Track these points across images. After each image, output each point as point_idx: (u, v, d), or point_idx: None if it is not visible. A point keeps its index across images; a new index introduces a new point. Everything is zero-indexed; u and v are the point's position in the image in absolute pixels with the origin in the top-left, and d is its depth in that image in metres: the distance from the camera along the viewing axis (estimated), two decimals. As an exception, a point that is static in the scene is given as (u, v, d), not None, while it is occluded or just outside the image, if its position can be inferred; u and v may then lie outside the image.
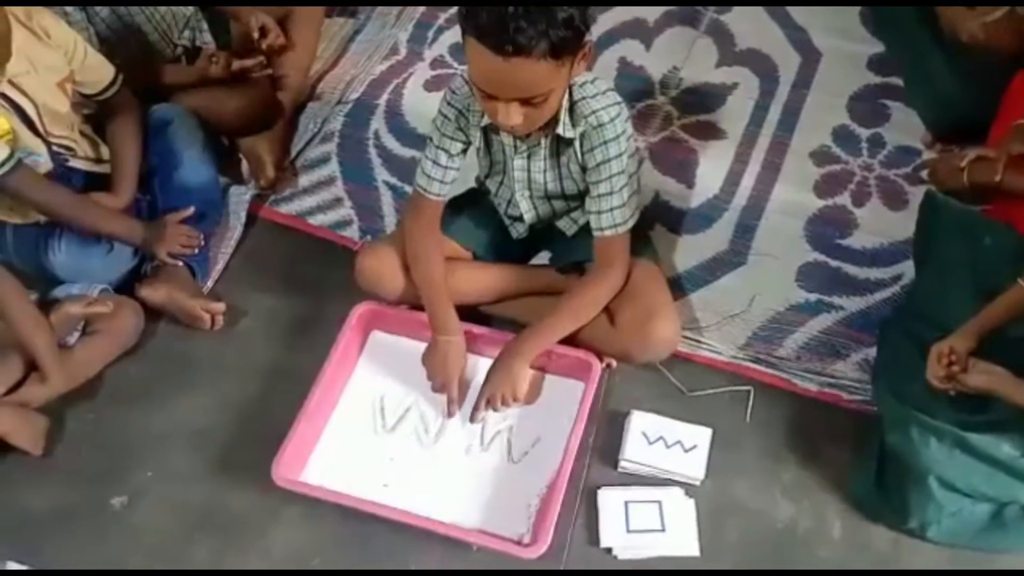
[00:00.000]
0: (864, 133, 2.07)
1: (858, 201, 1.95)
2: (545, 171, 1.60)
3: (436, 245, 1.66)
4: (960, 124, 1.94)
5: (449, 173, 1.62)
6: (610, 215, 1.55)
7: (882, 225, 1.90)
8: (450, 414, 1.66)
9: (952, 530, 1.46)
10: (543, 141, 1.54)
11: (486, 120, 1.53)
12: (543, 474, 1.57)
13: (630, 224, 1.58)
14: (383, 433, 1.66)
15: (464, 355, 1.66)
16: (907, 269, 1.81)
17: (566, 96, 1.46)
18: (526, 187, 1.64)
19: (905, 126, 2.06)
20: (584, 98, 1.49)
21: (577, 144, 1.52)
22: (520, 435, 1.64)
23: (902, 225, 1.87)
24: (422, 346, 1.70)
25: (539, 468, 1.58)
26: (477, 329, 1.69)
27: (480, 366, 1.69)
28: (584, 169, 1.55)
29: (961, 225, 1.73)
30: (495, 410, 1.63)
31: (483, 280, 1.75)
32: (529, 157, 1.58)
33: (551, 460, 1.57)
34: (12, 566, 1.52)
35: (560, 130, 1.50)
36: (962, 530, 1.46)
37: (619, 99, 1.52)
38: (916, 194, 1.90)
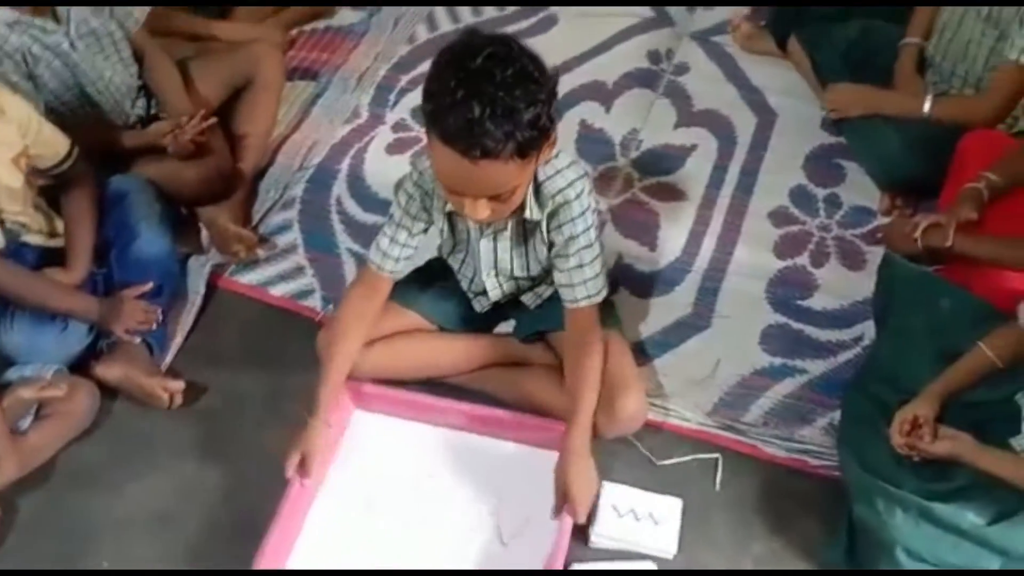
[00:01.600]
0: (820, 193, 2.11)
1: (817, 262, 1.98)
2: (511, 251, 1.60)
3: (367, 319, 1.64)
4: (908, 182, 1.98)
5: (406, 251, 1.60)
6: (583, 287, 1.54)
7: (841, 286, 1.93)
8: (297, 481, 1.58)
9: (921, 598, 1.47)
10: (509, 223, 1.54)
11: (451, 207, 1.52)
12: (537, 557, 1.54)
13: (604, 294, 1.57)
14: (368, 520, 1.62)
15: (315, 444, 1.57)
16: (867, 329, 1.83)
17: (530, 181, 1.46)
18: (492, 267, 1.63)
19: (860, 186, 2.10)
20: (549, 178, 1.49)
21: (544, 223, 1.52)
22: (509, 515, 1.61)
23: (861, 285, 1.90)
24: (403, 424, 1.70)
25: (532, 551, 1.55)
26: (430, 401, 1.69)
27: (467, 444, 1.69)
28: (551, 246, 1.55)
29: (918, 287, 1.76)
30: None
31: (449, 352, 1.75)
32: (495, 239, 1.58)
33: (544, 541, 1.54)
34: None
35: (527, 214, 1.50)
36: (930, 598, 1.46)
37: (582, 172, 1.52)
38: (874, 253, 1.94)
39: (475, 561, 1.56)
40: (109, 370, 1.77)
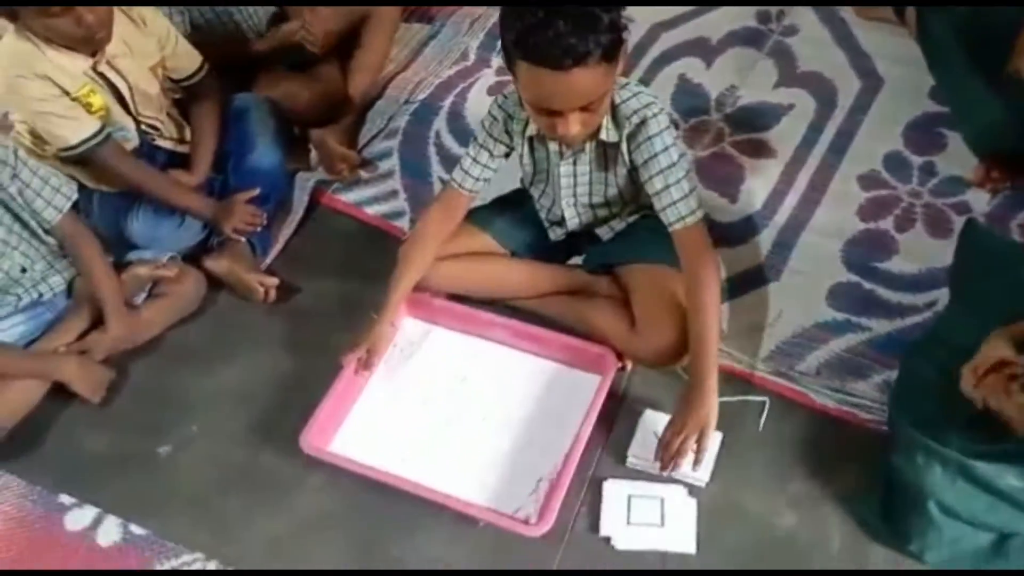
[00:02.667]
0: (917, 161, 2.07)
1: (901, 227, 1.94)
2: (591, 176, 1.67)
3: (442, 235, 1.74)
4: (1007, 153, 1.92)
5: (486, 172, 1.70)
6: (675, 208, 1.57)
7: (922, 252, 1.89)
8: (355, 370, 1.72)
9: (951, 556, 1.45)
10: (587, 147, 1.61)
11: (531, 130, 1.61)
12: (553, 458, 1.63)
13: (699, 215, 1.58)
14: (405, 411, 1.75)
15: (381, 341, 1.72)
16: (942, 296, 1.80)
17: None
18: (572, 193, 1.71)
19: (959, 156, 2.04)
20: (624, 101, 1.56)
21: (624, 146, 1.58)
22: (537, 421, 1.71)
23: (943, 253, 1.85)
24: (449, 335, 1.82)
25: (550, 452, 1.64)
26: (490, 316, 1.80)
27: (486, 351, 1.79)
28: (635, 169, 1.61)
29: (999, 255, 1.73)
30: (682, 454, 1.52)
31: (516, 275, 1.84)
32: (575, 163, 1.65)
33: (562, 445, 1.63)
34: (65, 499, 1.68)
35: (604, 135, 1.56)
36: (962, 557, 1.45)
37: (655, 96, 1.58)
38: (961, 224, 1.89)
39: (499, 456, 1.66)
40: (217, 263, 1.97)
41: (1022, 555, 1.42)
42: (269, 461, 1.72)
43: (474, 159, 1.70)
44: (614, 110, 1.56)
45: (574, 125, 1.44)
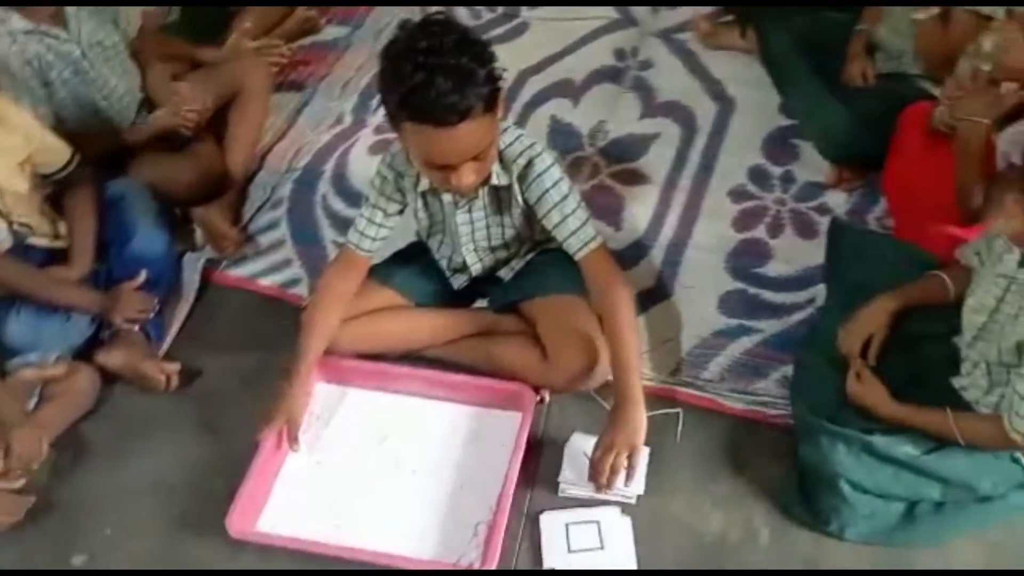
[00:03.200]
0: (777, 171, 2.24)
1: (772, 233, 2.09)
2: (487, 220, 1.72)
3: (344, 298, 1.75)
4: (855, 156, 2.10)
5: (382, 231, 1.72)
6: (576, 237, 1.64)
7: (795, 253, 2.04)
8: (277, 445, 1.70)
9: (869, 530, 1.55)
10: (480, 192, 1.66)
11: (423, 185, 1.64)
12: (487, 501, 1.65)
13: (599, 240, 1.65)
14: (331, 478, 1.73)
15: (293, 410, 1.70)
16: (819, 292, 1.94)
17: None
18: (471, 240, 1.75)
19: (813, 163, 2.22)
20: (508, 145, 1.62)
21: (516, 187, 1.64)
22: (466, 467, 1.72)
23: (814, 253, 2.01)
24: (364, 394, 1.81)
25: (483, 495, 1.66)
26: (398, 368, 1.81)
27: (401, 406, 1.81)
28: (530, 208, 1.66)
29: (866, 247, 1.88)
30: (615, 472, 1.56)
31: (424, 325, 1.85)
32: (470, 211, 1.69)
33: (494, 487, 1.65)
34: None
35: (495, 180, 1.62)
36: (878, 530, 1.55)
37: (534, 139, 1.65)
38: (825, 223, 2.05)
39: (432, 506, 1.66)
40: (110, 357, 1.89)
41: (930, 519, 1.54)
42: (194, 551, 1.65)
43: (369, 219, 1.72)
44: (500, 155, 1.62)
45: (468, 176, 1.49)
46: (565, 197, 1.63)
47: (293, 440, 1.71)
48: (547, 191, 1.62)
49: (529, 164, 1.62)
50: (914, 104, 2.02)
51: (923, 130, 1.94)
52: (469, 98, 1.37)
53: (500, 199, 1.68)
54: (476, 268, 1.81)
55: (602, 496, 1.64)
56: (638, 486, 1.63)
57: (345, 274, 1.76)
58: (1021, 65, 1.70)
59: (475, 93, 1.38)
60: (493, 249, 1.79)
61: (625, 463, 1.56)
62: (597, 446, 1.59)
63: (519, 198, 1.65)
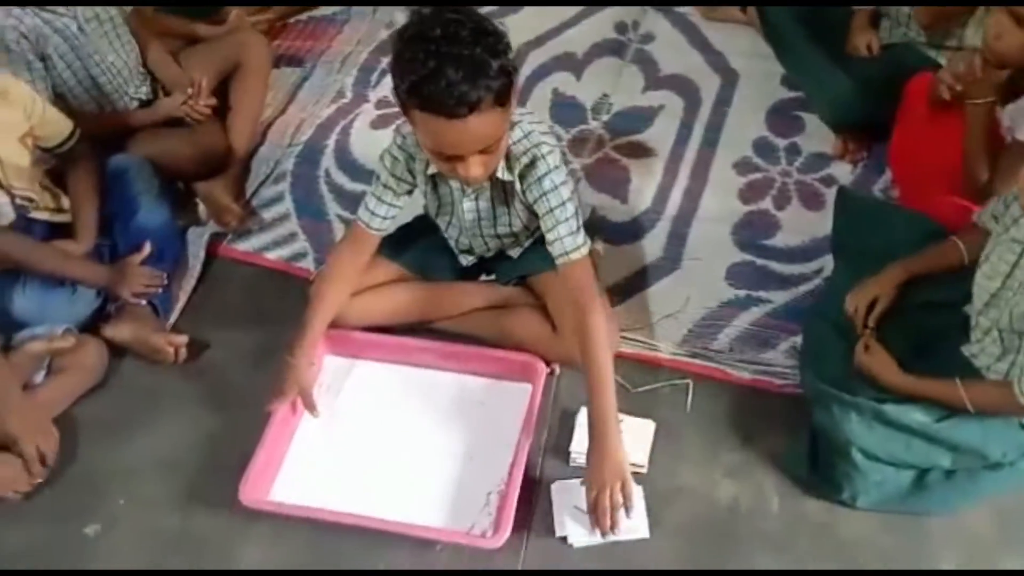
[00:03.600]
0: (782, 143, 2.24)
1: (779, 205, 2.10)
2: (494, 211, 1.71)
3: (353, 274, 1.74)
4: (860, 125, 2.10)
5: (392, 210, 1.71)
6: (560, 244, 1.60)
7: (802, 225, 2.04)
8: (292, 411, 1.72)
9: (880, 498, 1.56)
10: (487, 183, 1.65)
11: (432, 169, 1.62)
12: (498, 471, 1.66)
13: (583, 251, 1.61)
14: (341, 449, 1.73)
15: (301, 381, 1.70)
16: (827, 262, 1.94)
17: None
18: (477, 226, 1.74)
19: (818, 134, 2.22)
20: (515, 141, 1.59)
21: (517, 184, 1.63)
22: (477, 437, 1.73)
23: (821, 223, 2.01)
24: (374, 366, 1.81)
25: (494, 465, 1.67)
26: (410, 341, 1.81)
27: (413, 377, 1.81)
28: (529, 205, 1.65)
29: (872, 214, 1.89)
30: (615, 508, 1.51)
31: (433, 298, 1.85)
32: (477, 199, 1.69)
33: (505, 457, 1.66)
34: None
35: (499, 174, 1.60)
36: (889, 497, 1.56)
37: (550, 138, 1.62)
38: (831, 195, 2.05)
39: (445, 476, 1.67)
40: (117, 330, 1.89)
41: (942, 487, 1.55)
42: (207, 522, 1.65)
43: (379, 199, 1.70)
44: (507, 151, 1.58)
45: (475, 168, 1.46)
46: (562, 203, 1.60)
47: (312, 408, 1.72)
48: (545, 194, 1.59)
49: (532, 163, 1.59)
50: (919, 73, 2.01)
51: (928, 100, 1.94)
52: (480, 90, 1.34)
53: (505, 191, 1.67)
54: (481, 251, 1.81)
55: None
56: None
57: (355, 249, 1.76)
58: (1012, 51, 1.71)
59: (486, 86, 1.35)
60: (500, 236, 1.78)
61: (620, 498, 1.51)
62: (588, 489, 1.52)
63: (521, 194, 1.64)
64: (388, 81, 2.40)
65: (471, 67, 1.33)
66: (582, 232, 1.63)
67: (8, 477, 1.67)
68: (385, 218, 1.72)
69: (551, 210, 1.60)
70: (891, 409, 1.53)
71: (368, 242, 1.75)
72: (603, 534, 1.53)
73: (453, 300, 1.86)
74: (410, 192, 1.72)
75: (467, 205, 1.70)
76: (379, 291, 1.83)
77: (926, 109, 1.95)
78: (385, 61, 2.56)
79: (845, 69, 2.11)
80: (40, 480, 1.70)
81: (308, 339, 1.71)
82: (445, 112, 1.35)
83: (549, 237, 1.62)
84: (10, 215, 1.87)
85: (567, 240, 1.60)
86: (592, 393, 1.56)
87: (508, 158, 1.59)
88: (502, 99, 1.39)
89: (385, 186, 1.69)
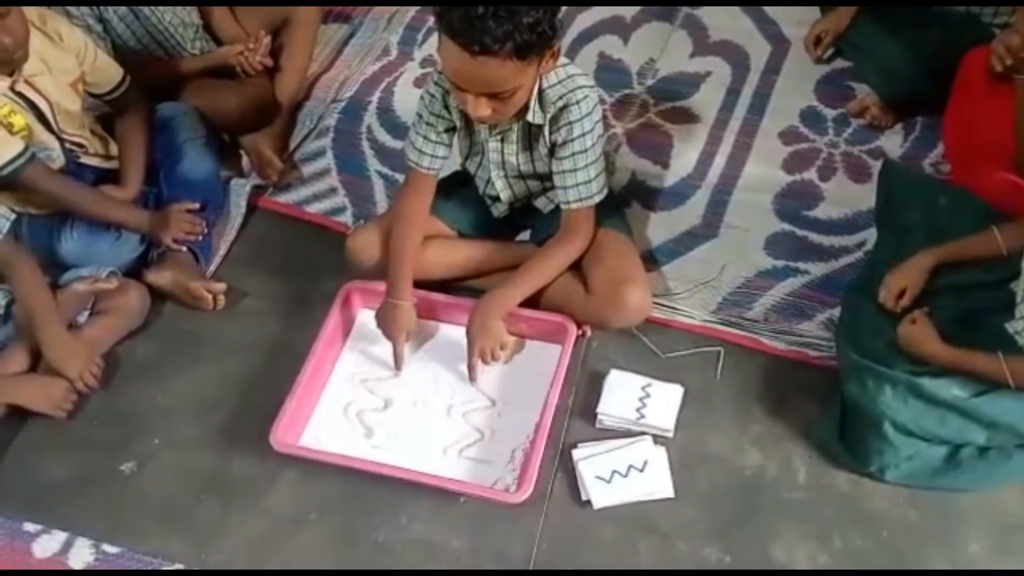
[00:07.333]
0: (830, 114, 2.18)
1: (824, 176, 2.05)
2: (518, 153, 1.71)
3: (419, 214, 1.76)
4: (911, 97, 2.05)
5: (440, 148, 1.72)
6: (575, 189, 1.64)
7: (846, 197, 2.00)
8: (397, 368, 1.77)
9: (909, 472, 1.54)
10: (515, 125, 1.65)
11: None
12: (524, 429, 1.67)
13: (596, 199, 1.66)
14: (372, 400, 1.76)
15: (410, 320, 1.74)
16: (870, 236, 1.90)
17: (535, 86, 1.56)
18: (500, 167, 1.74)
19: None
20: (551, 85, 1.59)
21: (546, 128, 1.63)
22: (505, 395, 1.74)
23: (865, 196, 1.96)
24: None
25: (520, 423, 1.68)
26: (439, 297, 1.82)
27: (443, 332, 1.84)
28: (552, 148, 1.65)
29: (917, 188, 1.84)
30: (486, 363, 1.71)
31: (467, 254, 1.86)
32: (502, 140, 1.69)
33: (531, 416, 1.67)
34: (30, 527, 1.63)
35: (530, 117, 1.60)
36: (919, 472, 1.54)
37: (589, 83, 1.61)
38: (879, 167, 2.00)
39: (471, 431, 1.69)
40: (159, 275, 1.93)
41: (974, 464, 1.52)
42: (238, 464, 1.70)
43: (424, 137, 1.71)
44: (541, 94, 1.59)
45: (481, 108, 1.47)
46: (585, 151, 1.61)
47: (401, 357, 1.77)
48: (572, 139, 1.60)
49: (565, 108, 1.59)
50: (978, 47, 1.94)
51: (986, 73, 1.88)
52: (500, 36, 1.35)
53: (531, 135, 1.67)
54: (505, 195, 1.80)
55: (639, 428, 1.64)
56: (669, 420, 1.65)
57: (415, 193, 1.77)
58: None
59: (509, 34, 1.35)
60: (524, 178, 1.77)
61: (501, 356, 1.70)
62: (470, 356, 1.70)
63: (547, 139, 1.64)
64: (434, 40, 2.48)
65: (504, 11, 1.34)
66: (596, 183, 1.65)
67: (56, 396, 1.74)
68: (434, 156, 1.73)
69: (573, 154, 1.62)
70: (927, 383, 1.51)
71: (426, 183, 1.76)
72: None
73: (487, 258, 1.86)
74: (452, 129, 1.72)
75: (493, 145, 1.70)
76: (437, 247, 1.83)
77: (984, 82, 1.89)
78: (431, 20, 2.55)
79: (901, 40, 2.04)
80: (92, 389, 1.77)
81: (406, 282, 1.73)
82: (459, 41, 1.37)
83: (564, 181, 1.65)
84: (60, 160, 1.92)
85: (581, 188, 1.65)
86: (513, 278, 1.70)
87: (542, 101, 1.60)
88: (524, 54, 1.39)
89: (428, 123, 1.71)
